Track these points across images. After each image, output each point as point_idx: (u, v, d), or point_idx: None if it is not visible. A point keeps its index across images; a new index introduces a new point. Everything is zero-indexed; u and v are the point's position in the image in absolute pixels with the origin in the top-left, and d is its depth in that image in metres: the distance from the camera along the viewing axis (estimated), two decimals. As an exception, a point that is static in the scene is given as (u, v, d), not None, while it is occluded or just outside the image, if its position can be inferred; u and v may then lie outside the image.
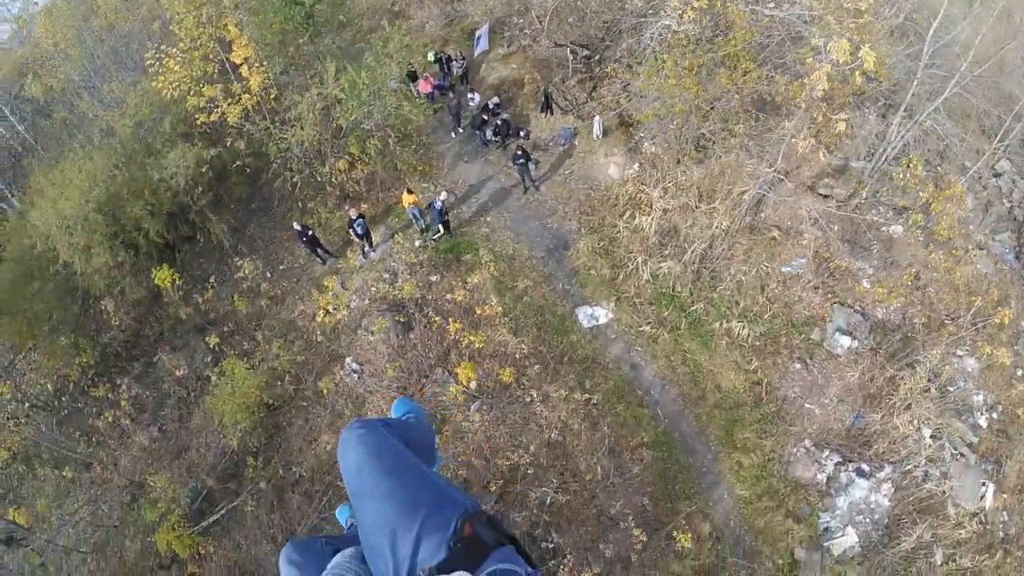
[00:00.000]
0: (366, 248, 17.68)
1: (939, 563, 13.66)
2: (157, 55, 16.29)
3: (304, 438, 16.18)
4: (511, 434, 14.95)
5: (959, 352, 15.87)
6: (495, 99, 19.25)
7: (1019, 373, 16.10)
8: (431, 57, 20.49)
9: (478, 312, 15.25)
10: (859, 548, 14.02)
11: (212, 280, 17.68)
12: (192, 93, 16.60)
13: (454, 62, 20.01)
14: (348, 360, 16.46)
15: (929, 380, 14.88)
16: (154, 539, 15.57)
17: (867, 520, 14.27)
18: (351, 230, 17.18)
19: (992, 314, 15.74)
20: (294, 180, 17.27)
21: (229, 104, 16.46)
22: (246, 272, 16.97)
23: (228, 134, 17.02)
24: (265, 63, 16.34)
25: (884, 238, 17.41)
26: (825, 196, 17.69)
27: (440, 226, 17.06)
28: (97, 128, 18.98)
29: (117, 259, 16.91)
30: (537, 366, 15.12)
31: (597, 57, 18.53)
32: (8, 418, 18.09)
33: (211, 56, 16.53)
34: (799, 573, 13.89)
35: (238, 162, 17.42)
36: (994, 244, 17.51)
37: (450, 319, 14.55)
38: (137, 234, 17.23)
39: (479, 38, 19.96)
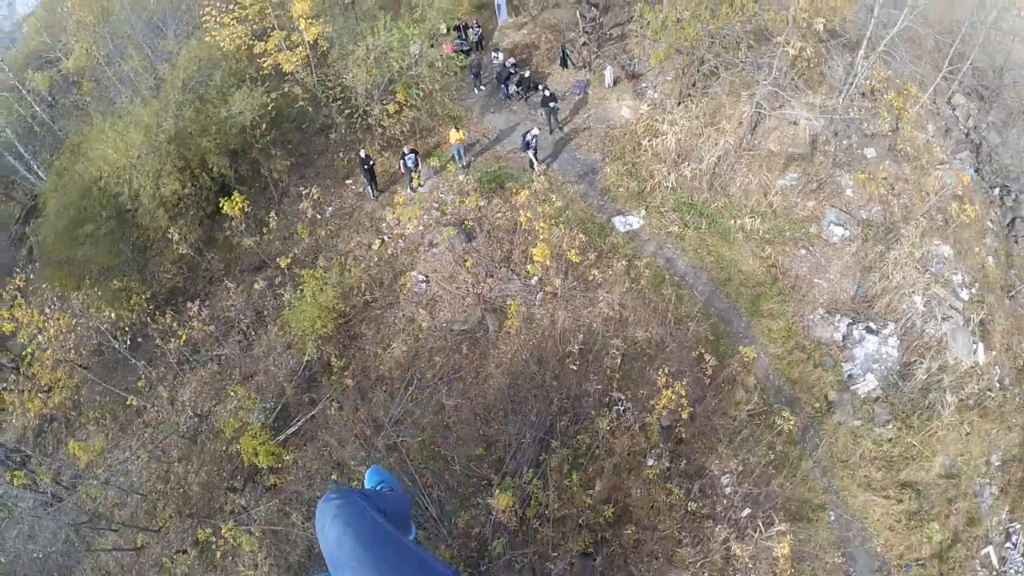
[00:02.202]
0: (414, 183, 19.54)
1: (949, 401, 16.21)
2: (213, 11, 18.04)
3: (378, 344, 17.43)
4: (574, 317, 16.86)
5: (935, 241, 19.17)
6: (511, 60, 21.96)
7: (990, 260, 19.51)
8: (444, 29, 23.04)
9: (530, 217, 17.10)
10: (880, 389, 16.55)
11: (273, 214, 18.87)
12: (247, 47, 18.35)
13: (470, 28, 22.75)
14: (414, 273, 18.00)
15: (911, 253, 18.00)
16: (239, 446, 16.12)
17: (882, 367, 16.84)
18: (402, 162, 19.07)
19: (959, 211, 19.21)
20: (351, 118, 19.05)
21: (287, 53, 18.27)
22: (313, 195, 18.20)
23: (285, 81, 18.77)
24: (321, 18, 18.40)
25: (860, 158, 20.92)
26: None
27: (531, 156, 19.04)
28: (144, 85, 20.21)
29: (185, 189, 17.94)
30: (592, 255, 17.23)
31: (604, 18, 21.73)
32: (61, 360, 18.14)
33: (266, 11, 18.41)
34: (835, 412, 16.20)
35: (299, 103, 19.04)
36: (955, 161, 21.17)
37: (520, 210, 16.43)
38: (201, 170, 18.40)
39: (499, 6, 22.82)
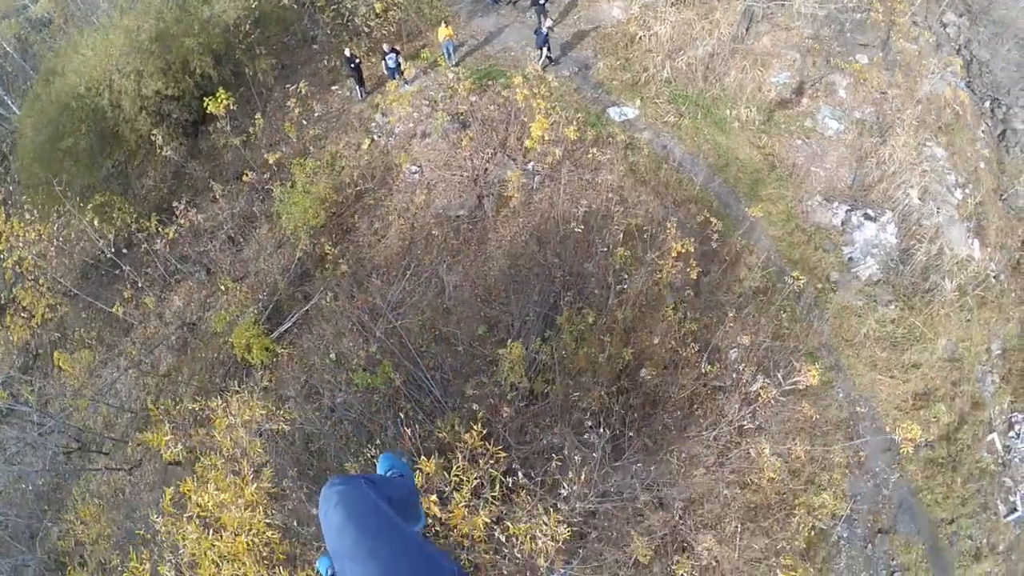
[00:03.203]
0: (400, 83, 18.92)
1: (949, 285, 16.29)
2: None
3: (373, 235, 16.86)
4: (574, 199, 16.49)
5: (929, 141, 19.26)
6: (499, -36, 21.47)
7: (982, 165, 19.69)
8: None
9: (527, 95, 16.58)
10: (880, 273, 16.56)
11: (258, 116, 18.06)
12: None
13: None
14: (407, 165, 17.42)
15: (906, 143, 18.04)
16: (231, 342, 15.44)
17: (881, 252, 16.86)
18: (383, 63, 18.42)
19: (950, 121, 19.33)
20: (337, 19, 18.37)
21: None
22: (300, 90, 17.45)
23: None
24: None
25: (851, 63, 20.86)
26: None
27: (546, 52, 18.57)
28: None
29: (168, 90, 17.14)
30: (590, 134, 16.87)
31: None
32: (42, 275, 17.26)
33: None
34: (839, 290, 16.17)
35: (281, 2, 18.32)
36: (947, 73, 21.29)
37: (517, 89, 15.94)
38: (184, 74, 17.60)
39: None
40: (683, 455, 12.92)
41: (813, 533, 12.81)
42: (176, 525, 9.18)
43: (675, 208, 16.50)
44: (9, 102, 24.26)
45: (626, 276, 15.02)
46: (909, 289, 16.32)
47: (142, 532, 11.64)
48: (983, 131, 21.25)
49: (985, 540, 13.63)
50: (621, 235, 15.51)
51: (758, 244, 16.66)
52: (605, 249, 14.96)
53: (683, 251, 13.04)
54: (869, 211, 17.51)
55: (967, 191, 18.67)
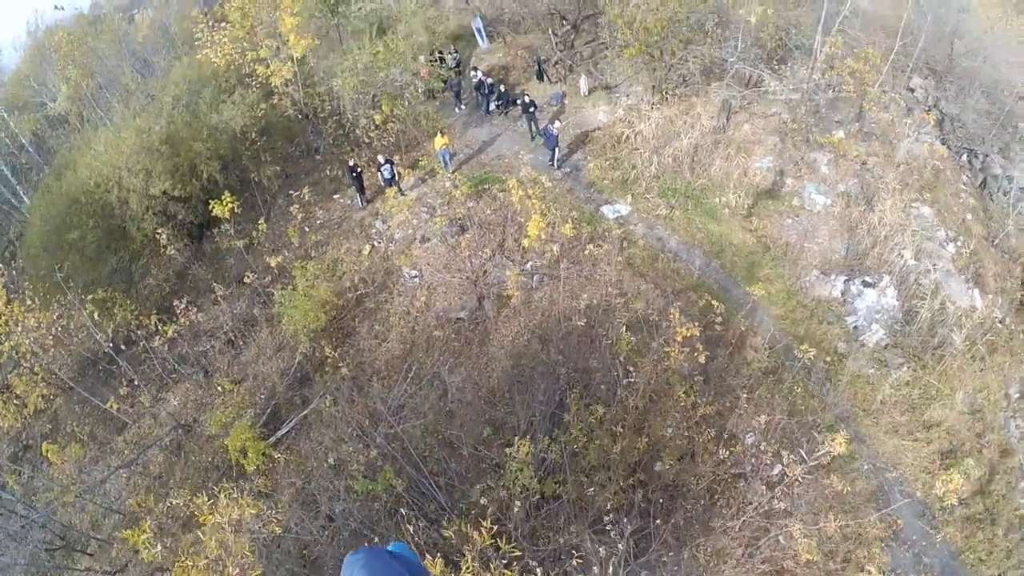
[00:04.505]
0: (397, 191, 19.71)
1: (958, 341, 16.09)
2: (206, 26, 18.85)
3: (374, 338, 16.86)
4: (573, 295, 16.58)
5: (915, 202, 19.64)
6: (489, 80, 22.97)
7: (969, 216, 19.99)
8: (422, 60, 24.11)
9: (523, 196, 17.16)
10: (887, 337, 16.37)
11: (262, 220, 18.68)
12: (238, 64, 19.06)
13: (448, 55, 23.91)
14: (406, 269, 17.72)
15: (894, 205, 18.37)
16: (224, 443, 15.04)
17: (884, 316, 16.77)
18: (379, 173, 19.30)
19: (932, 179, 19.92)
20: (339, 129, 19.49)
21: (275, 66, 18.94)
22: (304, 196, 18.12)
23: (274, 93, 19.34)
24: (309, 34, 19.29)
25: (829, 139, 21.70)
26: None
27: (556, 154, 19.65)
28: (136, 103, 20.75)
29: (174, 192, 17.85)
30: (585, 231, 17.24)
31: (575, 37, 23.06)
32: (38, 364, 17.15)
33: (257, 28, 19.25)
34: (848, 360, 15.88)
35: (286, 112, 19.52)
36: (921, 135, 22.09)
37: (512, 191, 16.48)
38: (191, 177, 18.42)
39: (478, 31, 24.15)
40: (709, 550, 12.06)
41: (859, 617, 11.71)
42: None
43: (675, 297, 16.54)
44: (21, 192, 25.54)
45: (632, 368, 14.78)
46: (918, 348, 16.20)
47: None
48: (964, 183, 21.76)
49: (1039, 587, 12.59)
50: (624, 327, 15.44)
51: (761, 325, 16.57)
52: (609, 343, 14.80)
53: (688, 335, 12.86)
54: (867, 278, 17.58)
55: (958, 243, 18.84)
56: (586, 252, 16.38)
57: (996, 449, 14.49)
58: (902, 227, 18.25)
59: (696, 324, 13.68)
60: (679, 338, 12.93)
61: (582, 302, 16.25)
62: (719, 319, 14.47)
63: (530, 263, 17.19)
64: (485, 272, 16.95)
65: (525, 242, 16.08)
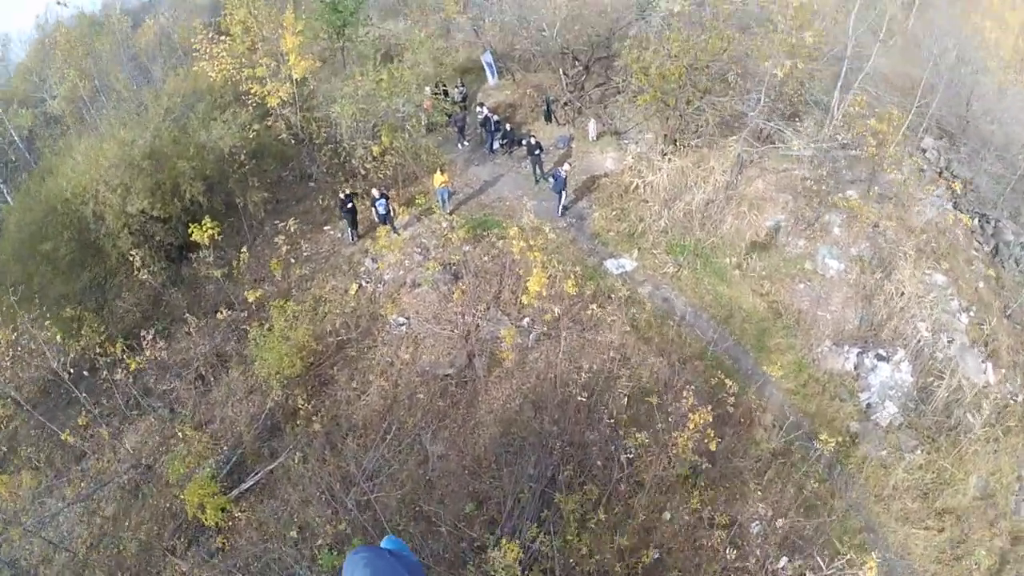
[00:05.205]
0: (391, 229, 18.61)
1: (975, 425, 15.09)
2: (205, 38, 17.84)
3: (353, 390, 15.63)
4: (572, 358, 15.40)
5: (927, 271, 18.75)
6: (495, 117, 22.04)
7: (981, 285, 19.10)
8: (428, 92, 23.22)
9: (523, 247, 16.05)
10: (901, 416, 15.39)
11: (244, 250, 17.50)
12: (235, 80, 18.05)
13: (454, 89, 22.98)
14: (393, 316, 16.53)
15: (911, 275, 17.46)
16: (181, 497, 13.70)
17: (899, 393, 15.78)
18: (373, 209, 18.18)
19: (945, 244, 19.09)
20: (334, 158, 18.44)
21: (273, 86, 17.92)
22: (290, 227, 17.06)
23: (269, 115, 18.28)
24: (311, 56, 18.29)
25: (842, 199, 20.84)
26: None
27: (562, 198, 18.75)
28: (127, 111, 19.72)
29: (154, 211, 16.68)
30: (588, 289, 16.13)
31: (585, 79, 22.19)
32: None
33: (259, 45, 18.26)
34: (860, 443, 14.82)
35: (280, 136, 18.43)
36: (933, 198, 21.34)
37: (513, 240, 15.38)
38: (173, 196, 17.24)
39: (488, 65, 23.27)
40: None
41: None
42: None
43: (681, 366, 15.41)
44: (5, 192, 24.02)
45: (633, 446, 13.58)
46: (933, 429, 15.29)
47: None
48: (976, 249, 20.96)
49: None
50: (626, 399, 14.28)
51: (771, 399, 15.50)
52: (611, 420, 13.65)
53: (701, 422, 11.71)
54: (881, 351, 16.64)
55: (971, 314, 18.01)
56: (588, 313, 15.26)
57: (1008, 536, 13.58)
58: (919, 298, 17.34)
59: (708, 406, 12.54)
60: (691, 426, 11.75)
61: (582, 368, 15.07)
62: (732, 399, 13.33)
63: (527, 319, 16.04)
64: (478, 327, 15.77)
65: (524, 299, 14.93)
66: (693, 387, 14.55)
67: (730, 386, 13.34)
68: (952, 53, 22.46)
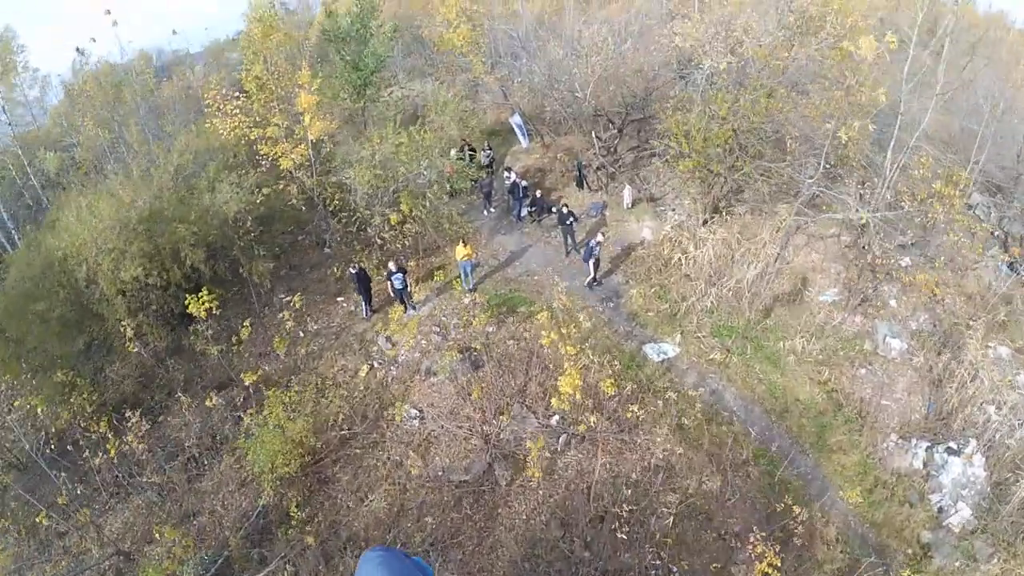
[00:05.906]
0: (408, 307, 17.21)
1: None
2: (218, 93, 16.98)
3: (354, 494, 14.05)
4: (608, 466, 13.58)
5: (990, 344, 16.65)
6: (523, 182, 20.71)
7: None
8: (454, 156, 22.11)
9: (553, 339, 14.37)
10: (974, 519, 13.53)
11: (247, 323, 16.18)
12: (246, 140, 17.15)
13: (482, 152, 21.79)
14: (406, 406, 14.96)
15: (984, 355, 15.46)
16: None
17: (972, 492, 13.92)
18: (388, 283, 16.81)
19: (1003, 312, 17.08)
20: (349, 226, 17.29)
21: (285, 147, 16.91)
22: (295, 303, 15.90)
23: (281, 178, 17.26)
24: (330, 116, 17.27)
25: (896, 268, 18.91)
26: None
27: (596, 271, 17.52)
28: (137, 166, 18.94)
29: (148, 279, 15.53)
30: (627, 387, 14.38)
31: (619, 142, 20.81)
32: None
33: (271, 104, 17.31)
34: (934, 555, 12.89)
35: (292, 201, 17.29)
36: (987, 258, 19.35)
37: (542, 331, 13.78)
38: (172, 262, 16.12)
39: (519, 127, 22.08)
40: None
41: None
42: None
43: (733, 472, 13.47)
44: (17, 239, 23.25)
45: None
46: (1009, 533, 13.31)
47: None
48: None
49: None
50: (671, 519, 12.37)
51: (834, 507, 13.49)
52: (654, 543, 11.75)
53: (771, 566, 9.80)
54: (952, 444, 14.70)
55: None
56: (628, 415, 13.49)
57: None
58: (988, 376, 15.27)
59: (773, 539, 10.60)
60: (758, 573, 9.84)
61: (618, 476, 13.25)
62: (799, 528, 11.35)
63: (556, 416, 14.30)
64: (500, 427, 14.07)
65: (554, 402, 13.20)
66: (740, 491, 12.72)
67: (799, 513, 11.38)
68: (999, 104, 20.80)
